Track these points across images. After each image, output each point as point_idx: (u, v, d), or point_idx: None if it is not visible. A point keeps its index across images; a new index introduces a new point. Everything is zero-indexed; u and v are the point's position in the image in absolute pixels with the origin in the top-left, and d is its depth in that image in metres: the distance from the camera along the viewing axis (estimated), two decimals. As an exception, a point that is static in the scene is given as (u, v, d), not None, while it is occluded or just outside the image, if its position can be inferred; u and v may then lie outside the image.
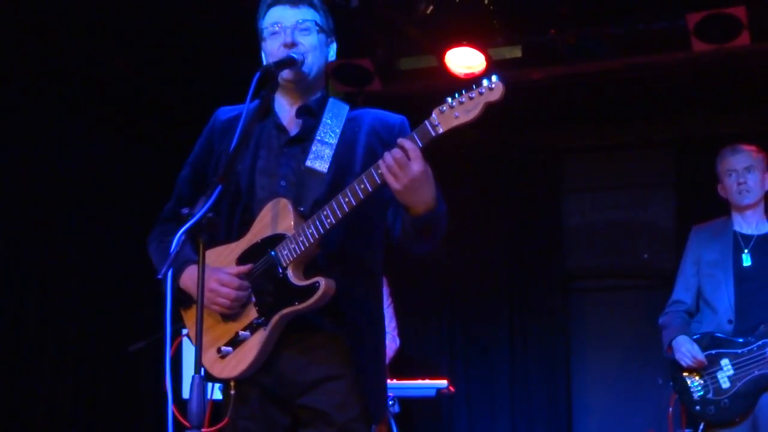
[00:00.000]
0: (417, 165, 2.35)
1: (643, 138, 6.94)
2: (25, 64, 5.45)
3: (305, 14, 2.67)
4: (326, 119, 2.69)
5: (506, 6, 5.42)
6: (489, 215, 7.02)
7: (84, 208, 5.88)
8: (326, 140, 2.65)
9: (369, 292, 2.67)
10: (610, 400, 6.83)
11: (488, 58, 5.60)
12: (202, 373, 2.21)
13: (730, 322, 4.29)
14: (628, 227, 7.00)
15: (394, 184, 2.37)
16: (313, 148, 2.64)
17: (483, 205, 6.99)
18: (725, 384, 4.24)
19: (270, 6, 2.69)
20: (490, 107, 2.32)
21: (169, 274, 2.23)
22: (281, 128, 2.70)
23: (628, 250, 6.97)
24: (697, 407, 4.29)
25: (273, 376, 2.57)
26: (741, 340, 4.24)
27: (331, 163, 2.62)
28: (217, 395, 2.64)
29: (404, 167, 2.35)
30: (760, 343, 4.20)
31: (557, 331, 6.85)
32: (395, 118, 2.74)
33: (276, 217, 2.57)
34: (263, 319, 2.53)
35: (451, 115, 2.33)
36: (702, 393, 4.29)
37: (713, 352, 4.28)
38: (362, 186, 2.42)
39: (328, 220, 2.45)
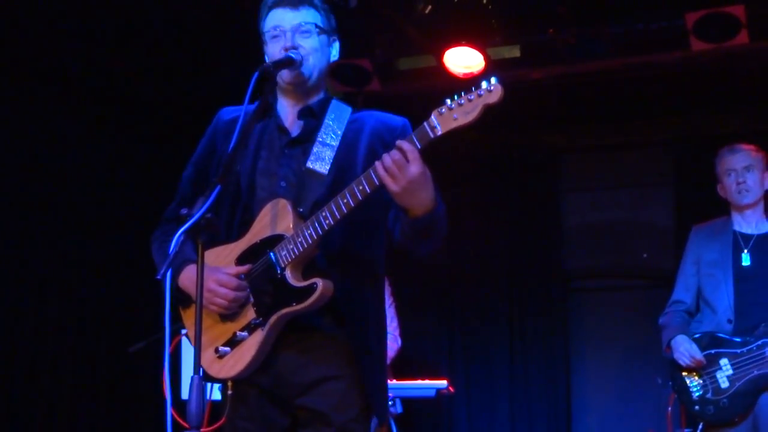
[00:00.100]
0: (415, 167, 2.34)
1: (643, 138, 6.94)
2: (25, 63, 5.45)
3: (305, 16, 2.66)
4: (328, 121, 2.69)
5: (505, 6, 5.42)
6: (488, 215, 7.01)
7: (84, 208, 5.88)
8: (327, 142, 2.65)
9: (369, 292, 2.66)
10: (610, 400, 6.82)
11: (487, 58, 5.59)
12: (201, 373, 2.21)
13: (729, 321, 4.29)
14: (628, 227, 6.99)
15: (392, 186, 2.36)
16: (314, 150, 2.63)
17: (482, 205, 6.99)
18: (724, 384, 4.23)
19: (270, 8, 2.69)
20: (489, 109, 2.31)
21: (168, 274, 2.24)
22: (283, 129, 2.70)
23: (627, 249, 6.96)
24: (696, 407, 4.29)
25: (271, 377, 2.57)
26: (740, 339, 4.23)
27: (332, 164, 2.61)
28: (216, 396, 2.65)
29: (402, 169, 2.34)
30: (759, 342, 4.19)
31: (557, 331, 6.84)
32: (398, 120, 2.73)
33: (275, 218, 2.57)
34: (261, 319, 2.53)
35: (450, 117, 2.32)
36: (701, 393, 4.28)
37: (712, 351, 4.28)
38: (361, 187, 2.41)
39: (327, 222, 2.45)
